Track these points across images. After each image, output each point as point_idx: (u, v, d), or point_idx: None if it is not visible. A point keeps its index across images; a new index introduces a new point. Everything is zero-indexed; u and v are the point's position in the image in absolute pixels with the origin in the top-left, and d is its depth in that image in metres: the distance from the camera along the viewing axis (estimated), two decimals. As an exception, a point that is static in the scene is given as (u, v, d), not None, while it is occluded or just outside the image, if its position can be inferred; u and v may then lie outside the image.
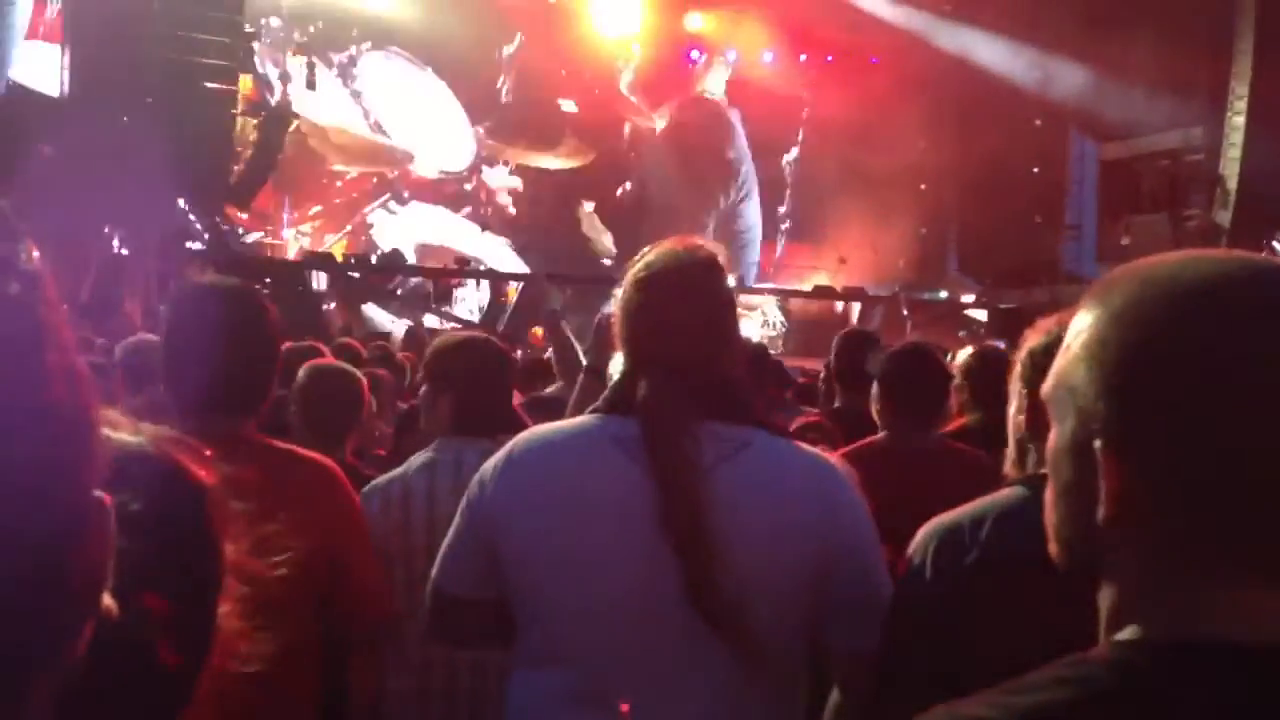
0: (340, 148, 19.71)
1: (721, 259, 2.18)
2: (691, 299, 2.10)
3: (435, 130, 20.84)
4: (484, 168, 21.27)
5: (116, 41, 13.47)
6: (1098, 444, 0.96)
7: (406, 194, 20.30)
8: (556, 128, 21.42)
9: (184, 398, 2.47)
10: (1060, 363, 1.02)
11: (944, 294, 19.73)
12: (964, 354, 5.03)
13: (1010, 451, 2.23)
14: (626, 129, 21.58)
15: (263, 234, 18.36)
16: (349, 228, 19.90)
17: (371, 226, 19.89)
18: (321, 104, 18.91)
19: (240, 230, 16.66)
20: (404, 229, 19.91)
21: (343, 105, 19.74)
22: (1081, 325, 1.00)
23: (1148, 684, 0.92)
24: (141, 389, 3.94)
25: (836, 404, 4.76)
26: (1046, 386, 1.04)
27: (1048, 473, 1.05)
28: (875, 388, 3.68)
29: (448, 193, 21.00)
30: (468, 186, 21.15)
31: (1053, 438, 1.03)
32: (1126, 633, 0.97)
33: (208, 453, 0.99)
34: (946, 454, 3.55)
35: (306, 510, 2.53)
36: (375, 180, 20.23)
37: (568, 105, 21.34)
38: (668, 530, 1.93)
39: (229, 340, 2.44)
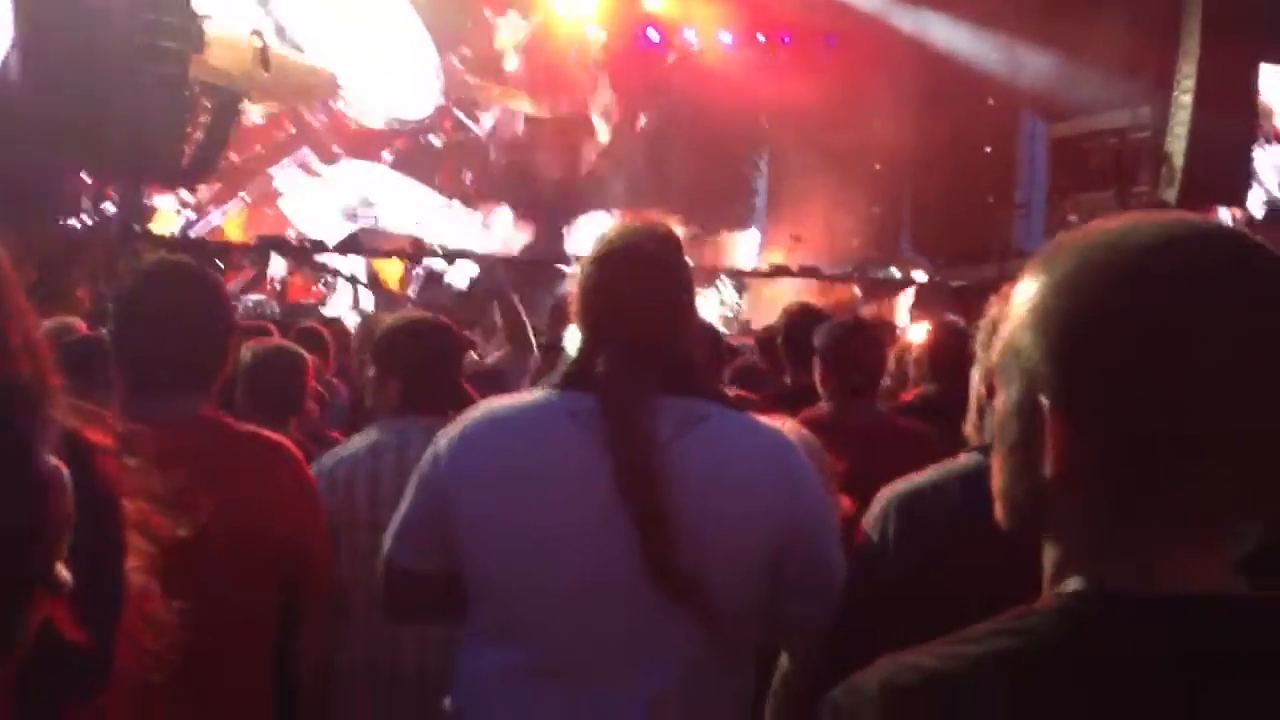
0: (223, 73, 14.05)
1: (679, 236, 2.23)
2: (649, 276, 2.13)
3: (383, 53, 15.47)
4: (459, 114, 17.16)
5: (69, 24, 13.26)
6: (1044, 403, 0.99)
7: (335, 148, 15.82)
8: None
9: (138, 377, 2.48)
10: (1007, 329, 1.05)
11: (896, 272, 19.83)
12: (919, 328, 5.11)
13: (971, 416, 2.24)
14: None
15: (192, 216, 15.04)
16: (245, 197, 15.22)
17: (280, 196, 15.29)
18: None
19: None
20: (329, 200, 15.23)
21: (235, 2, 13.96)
22: (1028, 291, 1.03)
23: (1089, 633, 0.96)
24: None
25: (787, 380, 4.80)
26: (995, 353, 1.07)
27: (996, 436, 1.09)
28: (816, 362, 3.72)
29: (400, 149, 16.33)
30: (435, 141, 16.81)
31: (1000, 401, 1.07)
32: (1069, 585, 1.01)
33: (108, 419, 1.01)
34: (886, 426, 3.63)
35: (264, 488, 2.57)
36: (289, 128, 15.16)
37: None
38: (626, 503, 1.95)
39: (182, 319, 2.45)
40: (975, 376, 2.22)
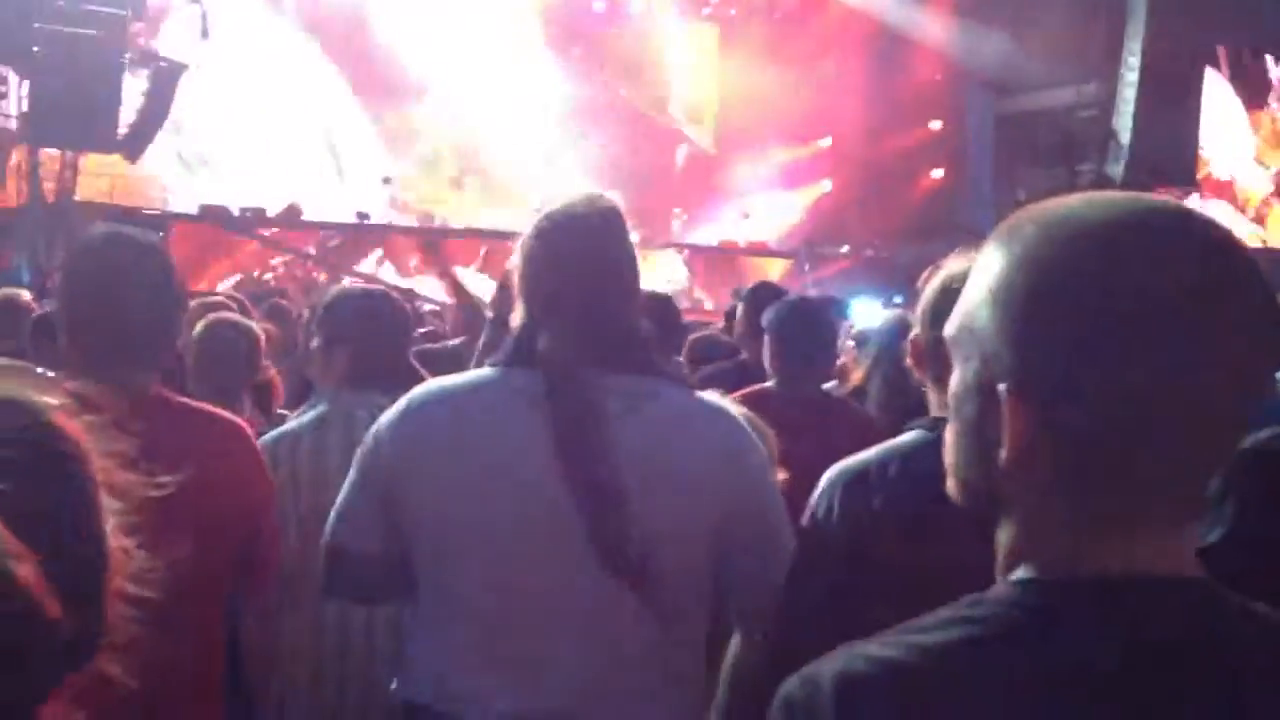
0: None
1: (620, 208, 2.17)
2: (593, 248, 2.09)
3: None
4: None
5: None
6: (1001, 387, 0.97)
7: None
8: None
9: (86, 350, 2.40)
10: (964, 304, 1.02)
11: (845, 248, 19.94)
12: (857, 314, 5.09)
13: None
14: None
15: None
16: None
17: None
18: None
19: None
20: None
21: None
22: (987, 266, 1.01)
23: (1043, 621, 0.95)
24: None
25: (744, 357, 4.79)
26: (950, 327, 1.04)
27: (948, 412, 1.06)
28: (766, 339, 3.74)
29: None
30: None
31: (955, 378, 1.03)
32: (1022, 571, 0.99)
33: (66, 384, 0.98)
34: (832, 404, 3.64)
35: (215, 465, 2.51)
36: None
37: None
38: (570, 479, 1.93)
39: (132, 292, 2.38)
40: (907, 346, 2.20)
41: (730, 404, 2.49)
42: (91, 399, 1.04)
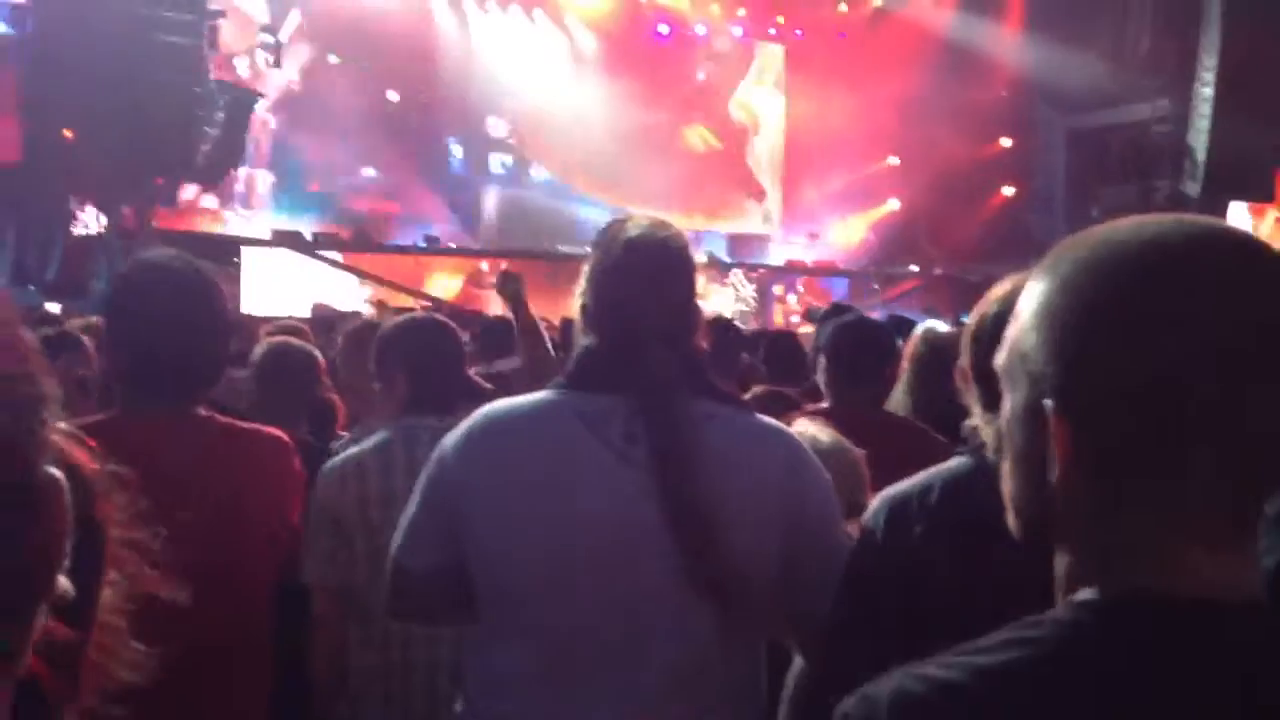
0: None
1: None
2: (673, 275, 2.11)
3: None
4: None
5: (79, 19, 13.32)
6: (1048, 404, 0.97)
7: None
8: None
9: (127, 375, 2.44)
10: (1012, 331, 1.03)
11: (915, 267, 19.79)
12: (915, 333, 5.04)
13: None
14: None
15: None
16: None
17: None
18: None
19: None
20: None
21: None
22: (1033, 292, 1.01)
23: (1100, 644, 0.94)
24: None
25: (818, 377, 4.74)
26: (1000, 356, 1.04)
27: (1002, 443, 1.06)
28: (821, 359, 3.74)
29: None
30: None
31: (1005, 406, 1.04)
32: (1082, 594, 0.99)
33: (90, 442, 0.98)
34: (893, 424, 3.60)
35: (267, 487, 2.53)
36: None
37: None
38: (666, 504, 1.94)
39: (176, 321, 2.40)
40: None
41: (806, 425, 2.47)
42: (116, 431, 1.04)
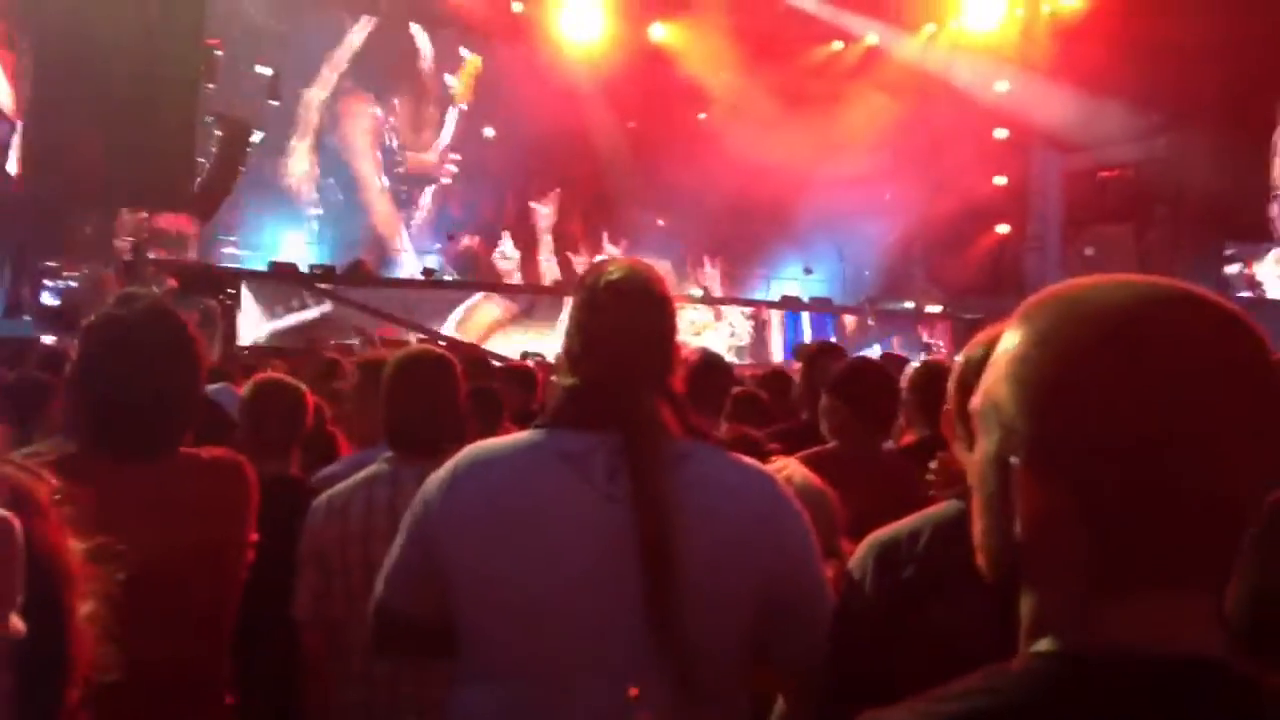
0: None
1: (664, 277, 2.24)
2: (653, 316, 2.13)
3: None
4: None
5: (78, 53, 13.41)
6: (1014, 459, 0.99)
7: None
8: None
9: (96, 419, 2.44)
10: (987, 379, 1.05)
11: (910, 304, 19.84)
12: (912, 367, 5.06)
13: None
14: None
15: None
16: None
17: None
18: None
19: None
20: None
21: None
22: (1008, 344, 1.03)
23: (1062, 694, 0.96)
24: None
25: (804, 416, 4.75)
26: (975, 401, 1.07)
27: (974, 485, 1.07)
28: (825, 399, 3.72)
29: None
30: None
31: (978, 451, 1.06)
32: (1043, 644, 1.00)
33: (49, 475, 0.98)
34: (895, 464, 3.58)
35: (218, 513, 2.53)
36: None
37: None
38: (642, 543, 1.94)
39: (140, 363, 2.42)
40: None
41: (785, 466, 2.46)
42: (77, 468, 1.05)
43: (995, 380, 1.04)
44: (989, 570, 1.06)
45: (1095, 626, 0.98)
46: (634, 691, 1.92)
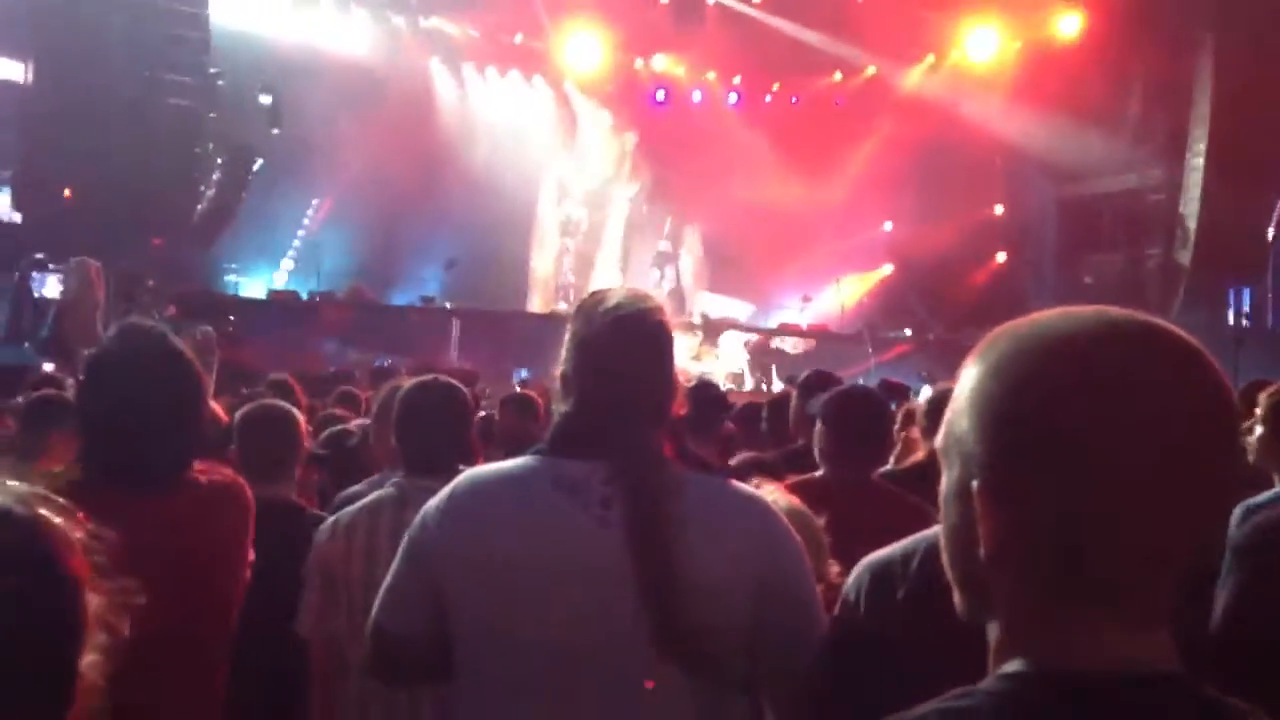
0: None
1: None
2: (650, 344, 2.15)
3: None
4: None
5: (80, 83, 13.47)
6: (974, 484, 1.03)
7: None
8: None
9: (96, 446, 2.46)
10: (949, 412, 1.09)
11: (908, 331, 19.85)
12: (926, 391, 5.13)
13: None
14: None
15: None
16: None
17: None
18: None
19: None
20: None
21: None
22: (968, 377, 1.07)
23: (1029, 713, 0.98)
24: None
25: (800, 442, 4.78)
26: (939, 437, 1.10)
27: (941, 515, 1.11)
28: (818, 427, 3.77)
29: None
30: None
31: (943, 482, 1.09)
32: (1009, 666, 1.03)
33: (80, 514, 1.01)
34: (883, 492, 3.65)
35: (220, 541, 2.58)
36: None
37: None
38: (638, 570, 1.96)
39: (141, 392, 2.45)
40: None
41: (771, 492, 2.48)
42: (87, 493, 1.08)
43: (957, 413, 1.07)
44: (960, 601, 1.09)
45: (1058, 647, 1.01)
46: (649, 684, 1.96)
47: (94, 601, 1.01)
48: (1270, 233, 15.45)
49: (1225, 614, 2.24)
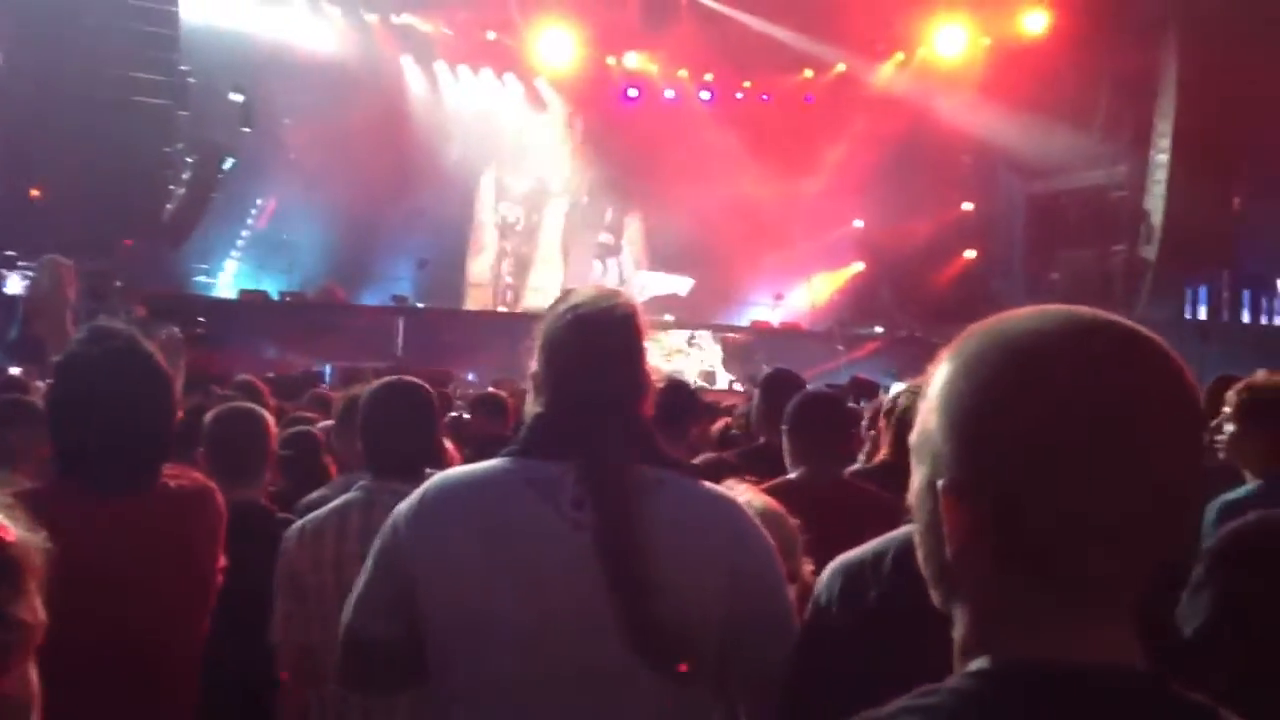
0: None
1: (639, 303, 2.24)
2: (619, 343, 2.14)
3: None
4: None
5: (50, 80, 13.35)
6: (939, 484, 1.03)
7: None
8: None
9: (67, 459, 2.47)
10: (921, 410, 1.09)
11: (879, 329, 19.92)
12: (897, 388, 5.17)
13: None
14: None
15: None
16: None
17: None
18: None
19: None
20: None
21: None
22: (939, 376, 1.08)
23: (994, 710, 0.99)
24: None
25: (762, 440, 4.83)
26: (912, 436, 1.11)
27: (913, 515, 1.11)
28: (784, 433, 3.86)
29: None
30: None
31: (913, 481, 1.10)
32: (974, 663, 1.03)
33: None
34: (853, 492, 3.70)
35: (192, 544, 2.59)
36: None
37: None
38: (606, 569, 1.96)
39: (115, 407, 2.45)
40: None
41: (744, 492, 2.50)
42: (59, 496, 1.09)
43: (927, 412, 1.08)
44: (934, 593, 1.10)
45: (1023, 643, 1.01)
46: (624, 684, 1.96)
47: (33, 611, 1.02)
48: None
49: (1202, 631, 2.17)
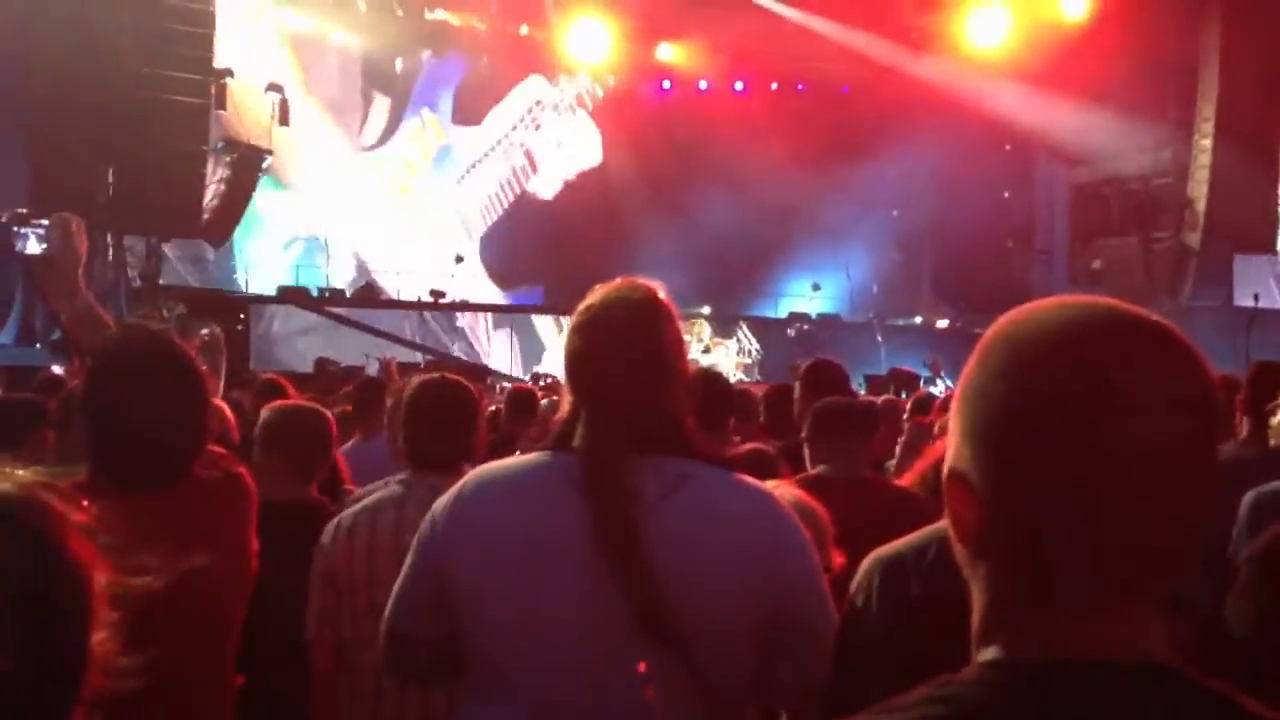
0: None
1: (662, 295, 2.20)
2: (630, 338, 2.11)
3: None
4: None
5: (85, 79, 13.47)
6: (946, 472, 1.05)
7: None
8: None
9: (100, 458, 2.48)
10: (953, 405, 1.10)
11: (919, 319, 19.84)
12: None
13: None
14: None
15: None
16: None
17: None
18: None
19: None
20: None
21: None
22: (967, 369, 1.08)
23: (1009, 701, 0.99)
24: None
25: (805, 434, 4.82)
26: (948, 426, 1.12)
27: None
28: (809, 432, 3.90)
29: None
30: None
31: (945, 474, 1.09)
32: (988, 653, 1.04)
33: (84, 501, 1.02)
34: (880, 487, 3.74)
35: (226, 537, 2.57)
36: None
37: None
38: (604, 563, 1.96)
39: (148, 408, 2.45)
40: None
41: (776, 485, 2.48)
42: (92, 492, 1.10)
43: (956, 405, 1.08)
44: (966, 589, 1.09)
45: (1034, 637, 1.01)
46: (642, 667, 1.94)
47: (100, 580, 1.02)
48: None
49: (1253, 636, 2.12)
